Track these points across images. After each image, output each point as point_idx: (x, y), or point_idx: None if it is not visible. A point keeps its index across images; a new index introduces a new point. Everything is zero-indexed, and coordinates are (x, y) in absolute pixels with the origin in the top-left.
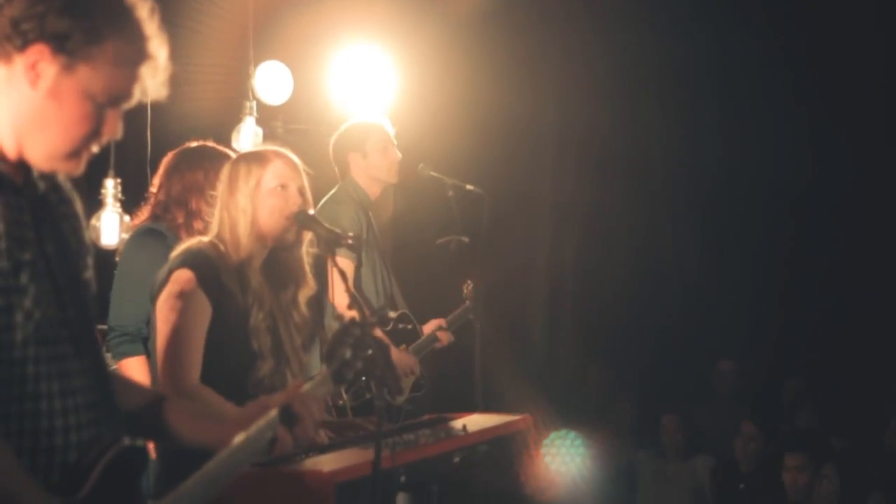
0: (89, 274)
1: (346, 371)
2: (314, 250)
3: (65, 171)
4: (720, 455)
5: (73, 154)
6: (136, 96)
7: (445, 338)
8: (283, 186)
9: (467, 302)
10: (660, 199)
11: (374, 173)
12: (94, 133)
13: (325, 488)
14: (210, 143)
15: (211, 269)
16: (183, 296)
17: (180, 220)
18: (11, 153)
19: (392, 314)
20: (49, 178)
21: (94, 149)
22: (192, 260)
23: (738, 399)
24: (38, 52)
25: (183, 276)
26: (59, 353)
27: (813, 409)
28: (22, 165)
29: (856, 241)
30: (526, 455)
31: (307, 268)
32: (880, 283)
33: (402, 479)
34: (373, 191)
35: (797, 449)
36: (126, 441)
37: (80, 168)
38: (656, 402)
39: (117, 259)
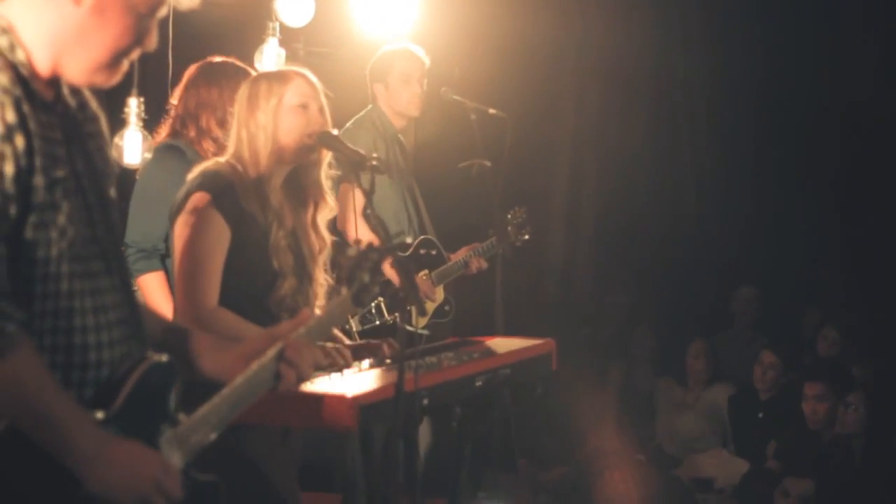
0: (113, 192)
1: (366, 295)
2: (333, 172)
3: (103, 83)
4: (739, 383)
5: (113, 66)
6: (169, 4)
7: (476, 265)
8: (304, 106)
9: (496, 234)
10: (681, 123)
11: (394, 106)
12: (135, 44)
13: (349, 411)
14: (232, 60)
15: (228, 190)
16: (200, 219)
17: (192, 135)
18: (44, 71)
19: (409, 240)
20: (77, 95)
21: (130, 61)
22: (209, 182)
23: (758, 327)
24: None
25: (199, 199)
26: (90, 270)
27: (833, 337)
28: (53, 82)
29: (879, 168)
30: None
31: (327, 190)
32: None
33: (425, 401)
34: (397, 121)
35: (817, 378)
36: (155, 357)
37: (117, 79)
38: (676, 329)
39: (137, 178)
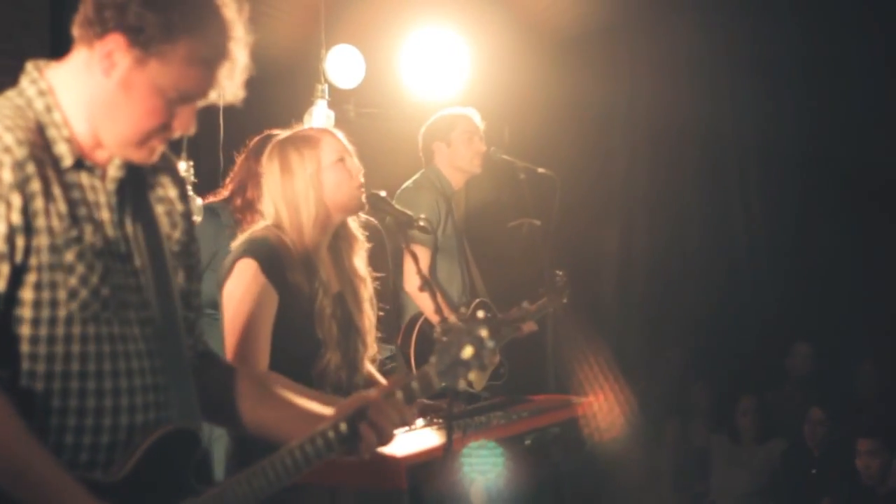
0: (186, 257)
1: (462, 369)
2: (365, 218)
3: (137, 160)
4: (793, 439)
5: (142, 144)
6: (212, 95)
7: (528, 327)
8: (342, 159)
9: (546, 296)
10: (732, 179)
11: (457, 163)
12: (164, 127)
13: (398, 471)
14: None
15: (275, 257)
16: (248, 284)
17: (237, 203)
18: (85, 134)
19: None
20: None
21: (166, 141)
22: (256, 248)
23: (811, 383)
24: (115, 42)
25: (247, 266)
26: (117, 333)
27: (886, 393)
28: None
29: None
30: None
31: (353, 228)
32: None
33: None
34: (455, 180)
35: (870, 434)
36: (176, 424)
37: (151, 158)
38: (730, 385)
39: None
